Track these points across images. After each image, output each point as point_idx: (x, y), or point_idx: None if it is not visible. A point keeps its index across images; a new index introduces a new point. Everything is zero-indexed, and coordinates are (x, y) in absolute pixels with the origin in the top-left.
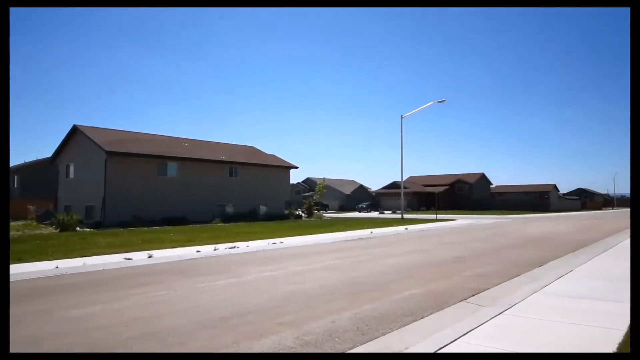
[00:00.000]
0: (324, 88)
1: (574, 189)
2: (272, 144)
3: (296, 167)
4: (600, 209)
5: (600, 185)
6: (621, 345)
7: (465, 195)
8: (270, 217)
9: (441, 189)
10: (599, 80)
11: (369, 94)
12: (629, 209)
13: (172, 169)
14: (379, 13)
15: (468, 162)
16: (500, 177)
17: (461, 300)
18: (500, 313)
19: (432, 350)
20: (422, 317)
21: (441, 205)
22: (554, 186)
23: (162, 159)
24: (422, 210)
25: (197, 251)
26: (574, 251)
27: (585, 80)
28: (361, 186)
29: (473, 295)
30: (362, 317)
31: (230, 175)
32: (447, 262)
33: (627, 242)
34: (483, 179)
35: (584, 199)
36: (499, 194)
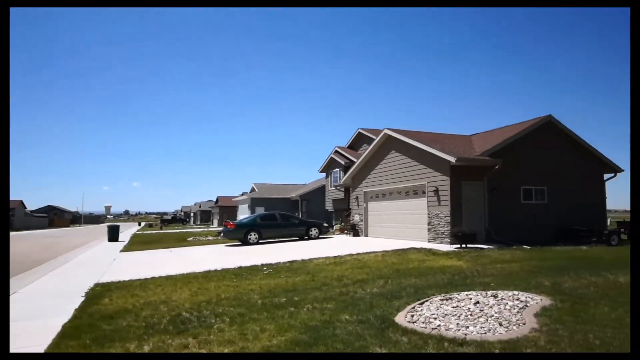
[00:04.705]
0: None
1: (44, 205)
2: None
3: None
4: (68, 225)
5: (70, 203)
6: None
7: None
8: None
9: None
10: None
11: None
12: (94, 225)
13: None
14: None
15: None
16: None
17: None
18: None
19: None
20: None
21: None
22: (21, 202)
23: None
24: None
25: None
26: (26, 271)
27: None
28: None
29: None
30: None
31: None
32: None
33: (82, 257)
34: None
35: (53, 216)
36: None
